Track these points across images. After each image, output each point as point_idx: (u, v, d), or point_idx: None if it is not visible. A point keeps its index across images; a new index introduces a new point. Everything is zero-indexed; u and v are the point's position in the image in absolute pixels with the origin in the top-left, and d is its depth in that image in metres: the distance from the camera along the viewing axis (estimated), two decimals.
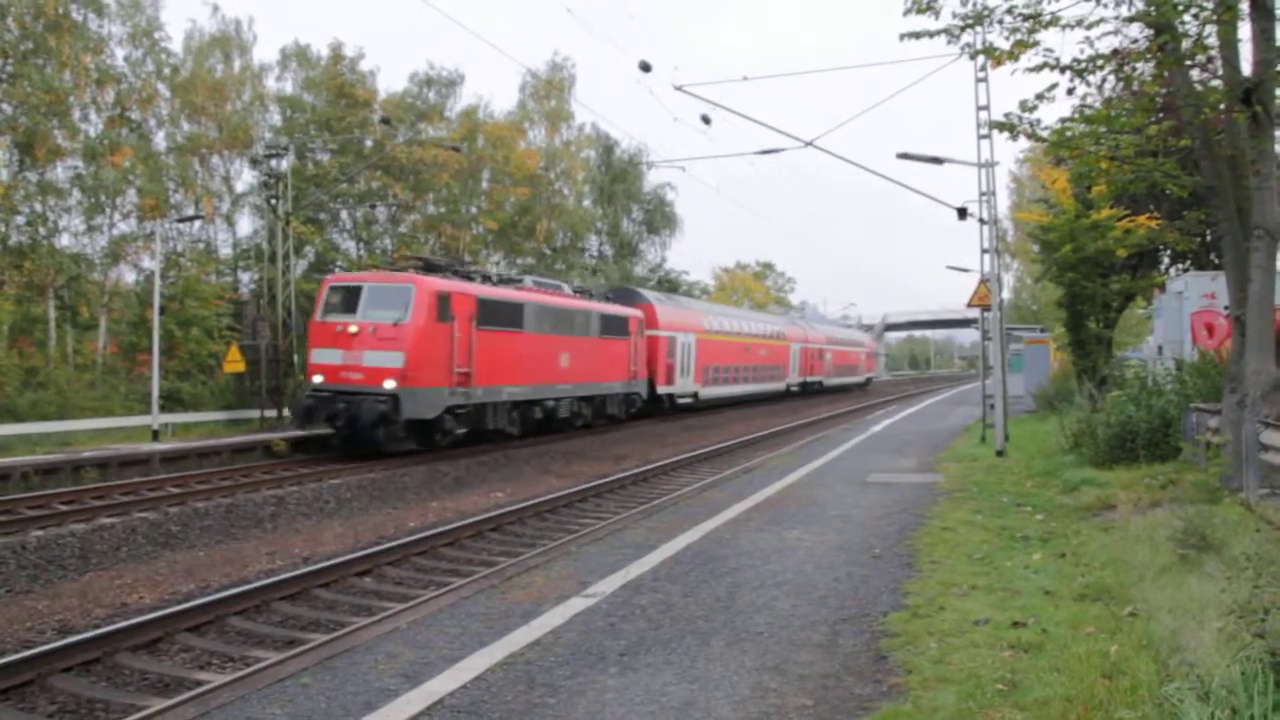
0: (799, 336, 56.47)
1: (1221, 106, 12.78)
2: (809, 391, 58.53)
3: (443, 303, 22.19)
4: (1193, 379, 16.63)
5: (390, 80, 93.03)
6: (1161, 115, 14.83)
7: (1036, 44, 12.51)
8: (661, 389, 36.58)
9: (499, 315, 24.53)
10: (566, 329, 28.21)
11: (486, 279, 26.42)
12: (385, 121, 44.79)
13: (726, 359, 43.45)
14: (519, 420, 26.14)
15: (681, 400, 38.97)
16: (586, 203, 61.88)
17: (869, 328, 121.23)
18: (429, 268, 24.32)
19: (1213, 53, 12.81)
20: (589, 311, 30.28)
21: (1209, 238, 25.93)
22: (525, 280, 28.70)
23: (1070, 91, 13.25)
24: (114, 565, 12.59)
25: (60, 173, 37.24)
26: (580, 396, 29.52)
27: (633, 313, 34.19)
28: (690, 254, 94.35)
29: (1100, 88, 14.43)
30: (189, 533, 14.33)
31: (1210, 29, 12.23)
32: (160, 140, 42.84)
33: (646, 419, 35.91)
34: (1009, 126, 13.67)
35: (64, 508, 14.97)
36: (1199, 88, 13.50)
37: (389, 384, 20.95)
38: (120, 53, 40.13)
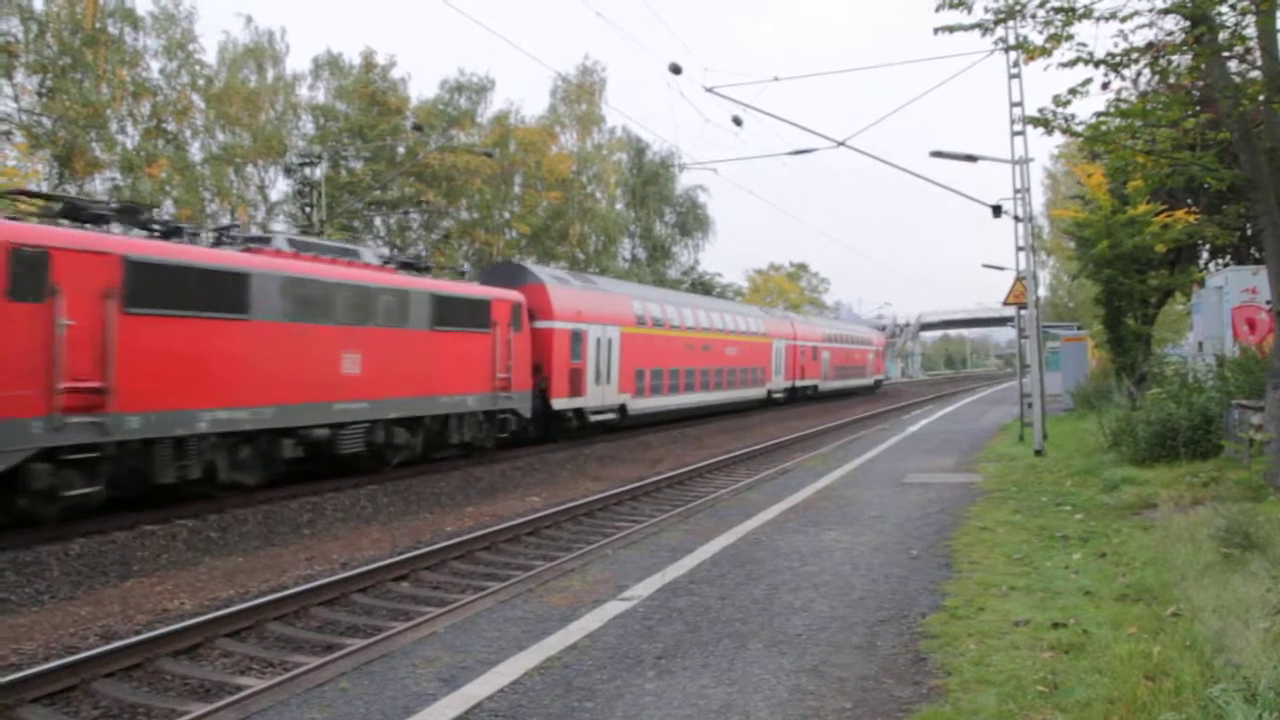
0: (785, 332, 47.33)
1: (1260, 98, 12.60)
2: (800, 398, 49.71)
3: (28, 266, 12.64)
4: (1234, 375, 16.40)
5: (421, 87, 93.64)
6: (1199, 108, 14.64)
7: (1070, 38, 12.42)
8: (561, 403, 26.27)
9: (189, 292, 15.04)
10: (358, 316, 18.55)
11: (198, 236, 17.30)
12: (417, 128, 45.14)
13: (672, 359, 33.71)
14: (256, 461, 16.70)
15: (598, 418, 28.43)
16: (619, 206, 62.06)
17: (904, 327, 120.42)
18: (72, 212, 14.83)
19: (1251, 43, 12.64)
20: (405, 291, 20.07)
21: (1249, 231, 25.55)
22: (274, 240, 18.73)
23: (1105, 86, 13.12)
24: (155, 571, 12.71)
25: (99, 184, 37.83)
26: (393, 419, 19.83)
27: (504, 295, 23.60)
28: (724, 256, 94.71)
29: (1135, 81, 14.29)
30: (228, 538, 14.45)
31: (1248, 19, 12.07)
32: (196, 151, 43.49)
33: (542, 446, 25.97)
34: (1043, 122, 13.54)
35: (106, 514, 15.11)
36: (1237, 79, 13.31)
37: None
38: (156, 65, 40.82)
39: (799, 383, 48.97)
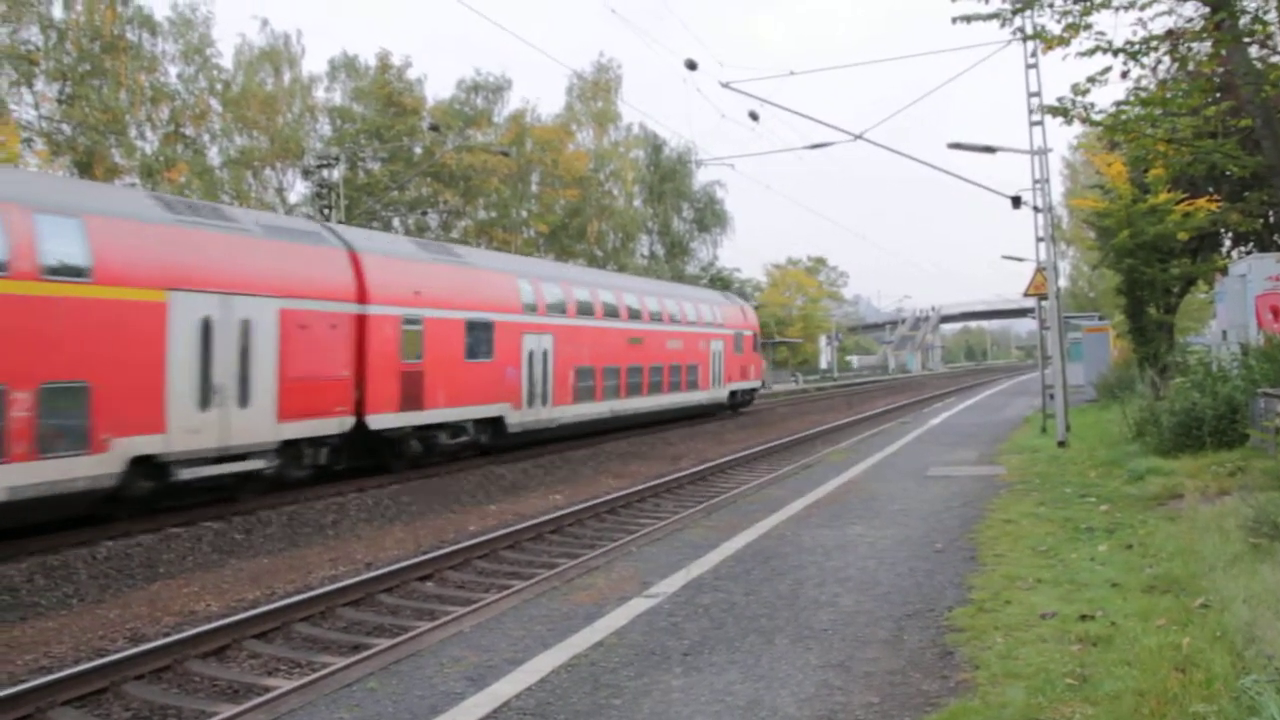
0: (341, 287, 18.21)
1: None
2: (417, 461, 20.33)
3: None
4: (1259, 364, 16.24)
5: (438, 88, 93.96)
6: (1219, 95, 14.54)
7: (1088, 27, 12.38)
8: None
9: None
10: None
11: None
12: (434, 128, 45.24)
13: None
14: None
15: None
16: (636, 203, 62.05)
17: (925, 319, 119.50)
18: None
19: (1272, 29, 12.55)
20: None
21: (1272, 219, 25.35)
22: None
23: (1124, 74, 13.07)
24: (181, 573, 12.79)
25: None
26: None
27: None
28: (743, 251, 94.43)
29: (1155, 69, 14.20)
30: (253, 540, 14.53)
31: (1270, 4, 11.98)
32: (214, 155, 43.76)
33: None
34: (1062, 111, 13.48)
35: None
36: (1258, 65, 13.21)
37: None
38: (174, 70, 41.03)
39: (419, 417, 20.00)
